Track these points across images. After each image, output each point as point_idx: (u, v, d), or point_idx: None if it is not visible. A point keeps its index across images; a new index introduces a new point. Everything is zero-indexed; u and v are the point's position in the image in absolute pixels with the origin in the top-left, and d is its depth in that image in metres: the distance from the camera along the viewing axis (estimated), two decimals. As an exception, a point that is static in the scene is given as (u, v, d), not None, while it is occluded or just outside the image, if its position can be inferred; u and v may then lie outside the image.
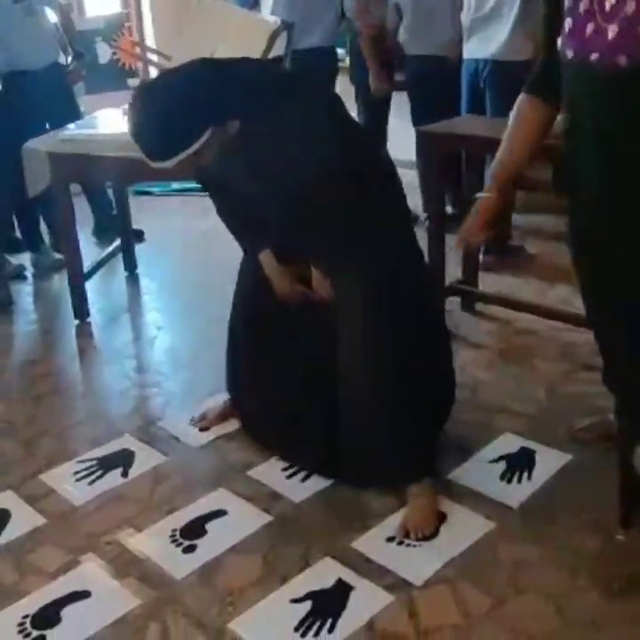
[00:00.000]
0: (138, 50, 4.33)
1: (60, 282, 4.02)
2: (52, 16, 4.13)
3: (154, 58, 3.90)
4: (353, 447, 2.18)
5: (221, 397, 2.70)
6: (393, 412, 2.11)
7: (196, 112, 1.80)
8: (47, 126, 3.97)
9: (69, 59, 4.25)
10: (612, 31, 1.54)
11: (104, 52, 6.26)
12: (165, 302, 3.79)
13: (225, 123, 1.85)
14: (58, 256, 4.22)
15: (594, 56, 1.60)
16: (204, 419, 2.62)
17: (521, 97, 1.96)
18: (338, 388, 2.17)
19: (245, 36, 3.13)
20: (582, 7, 1.62)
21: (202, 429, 2.58)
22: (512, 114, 1.98)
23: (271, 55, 3.22)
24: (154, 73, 6.28)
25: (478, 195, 2.07)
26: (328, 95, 2.17)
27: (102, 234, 4.50)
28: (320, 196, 1.94)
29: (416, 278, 2.19)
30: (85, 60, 4.57)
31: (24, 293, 3.96)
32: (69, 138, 3.25)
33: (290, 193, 1.97)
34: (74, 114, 4.01)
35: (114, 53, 6.21)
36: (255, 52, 3.14)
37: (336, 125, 2.00)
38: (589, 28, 1.60)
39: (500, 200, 2.02)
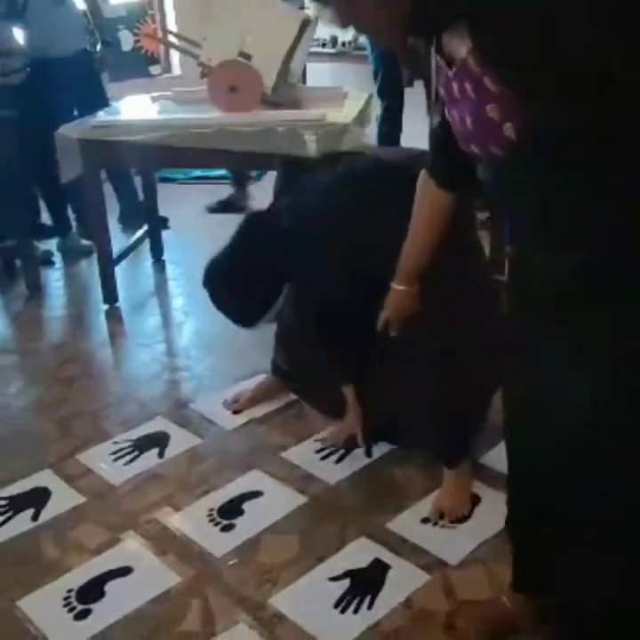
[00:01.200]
0: (164, 36, 4.34)
1: (88, 267, 4.08)
2: (80, 4, 4.16)
3: (180, 44, 3.94)
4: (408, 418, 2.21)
5: (252, 381, 2.75)
6: (446, 403, 2.08)
7: (266, 282, 2.03)
8: (75, 113, 4.01)
9: (97, 46, 4.28)
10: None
11: (126, 40, 6.31)
12: (191, 288, 3.81)
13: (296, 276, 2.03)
14: (85, 242, 4.27)
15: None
16: (236, 402, 2.66)
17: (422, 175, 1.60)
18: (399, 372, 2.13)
19: (276, 25, 3.15)
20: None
21: (234, 412, 2.63)
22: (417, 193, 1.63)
23: (301, 44, 3.26)
24: (175, 60, 6.36)
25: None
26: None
27: (127, 221, 4.54)
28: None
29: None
30: (112, 47, 4.59)
31: (52, 279, 4.00)
32: (99, 124, 3.28)
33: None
34: (101, 101, 4.05)
35: (136, 41, 6.28)
36: (286, 41, 3.18)
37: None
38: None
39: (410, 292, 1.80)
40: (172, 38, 4.59)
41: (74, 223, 4.39)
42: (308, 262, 1.97)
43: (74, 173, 3.31)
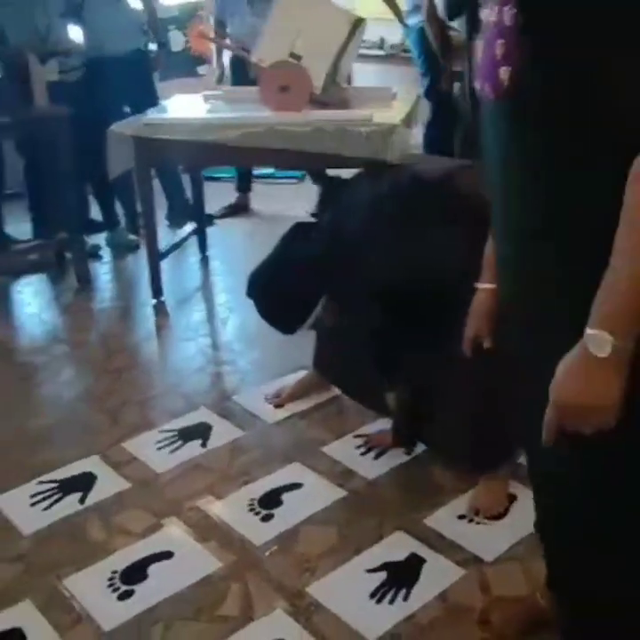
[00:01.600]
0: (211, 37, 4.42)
1: (135, 262, 4.17)
2: (135, 3, 4.26)
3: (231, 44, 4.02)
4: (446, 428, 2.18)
5: (294, 377, 2.80)
6: (484, 411, 2.04)
7: (307, 288, 2.09)
8: (127, 110, 4.10)
9: (151, 45, 4.37)
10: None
11: (177, 40, 6.41)
12: (235, 284, 3.87)
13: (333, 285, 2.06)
14: (132, 237, 4.36)
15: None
16: (278, 396, 2.71)
17: None
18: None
19: (327, 26, 3.20)
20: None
21: (276, 406, 2.68)
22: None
23: (350, 46, 3.30)
24: (226, 61, 6.44)
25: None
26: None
27: (174, 218, 4.62)
28: None
29: None
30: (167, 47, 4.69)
31: (101, 272, 4.10)
32: (152, 122, 3.35)
33: None
34: (153, 99, 4.13)
35: (186, 41, 6.38)
36: (336, 42, 3.22)
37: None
38: None
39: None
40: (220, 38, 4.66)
41: (122, 219, 4.49)
42: (347, 279, 2.03)
43: (121, 169, 3.40)
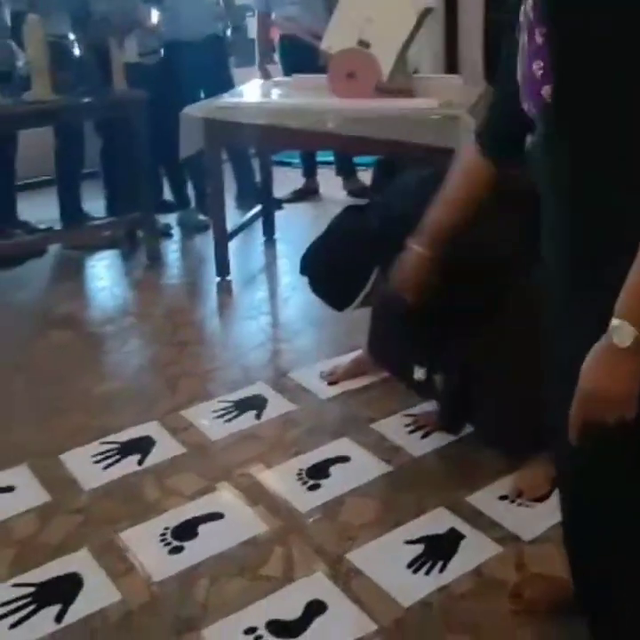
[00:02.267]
0: (289, 25, 4.49)
1: (203, 242, 4.30)
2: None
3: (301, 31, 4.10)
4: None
5: (349, 356, 2.87)
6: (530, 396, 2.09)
7: (359, 265, 2.14)
8: (202, 95, 4.22)
9: (228, 31, 4.48)
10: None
11: (252, 27, 6.52)
12: (298, 266, 3.98)
13: (387, 261, 1.98)
14: (202, 217, 4.50)
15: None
16: (333, 374, 2.79)
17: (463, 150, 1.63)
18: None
19: (395, 14, 3.25)
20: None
21: (330, 383, 2.76)
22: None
23: (419, 34, 3.34)
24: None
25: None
26: None
27: (243, 200, 4.74)
28: None
29: None
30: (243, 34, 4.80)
31: (170, 250, 4.25)
32: (224, 105, 3.47)
33: None
34: (228, 85, 4.24)
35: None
36: (404, 30, 3.27)
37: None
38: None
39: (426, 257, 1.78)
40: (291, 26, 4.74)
41: (193, 200, 4.63)
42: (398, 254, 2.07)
43: (191, 151, 3.53)
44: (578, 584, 1.55)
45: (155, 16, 4.10)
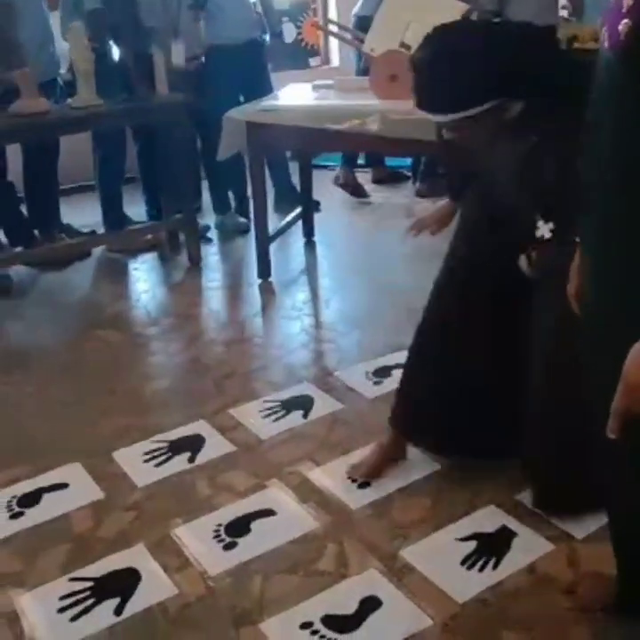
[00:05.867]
0: (332, 28, 4.53)
1: (243, 244, 4.34)
2: (253, -5, 4.43)
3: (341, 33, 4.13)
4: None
5: (396, 356, 2.88)
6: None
7: (489, 75, 1.67)
8: (241, 99, 4.26)
9: (267, 37, 4.52)
10: None
11: (289, 32, 6.57)
12: (339, 268, 4.01)
13: (510, 101, 1.72)
14: (242, 220, 4.54)
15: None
16: (359, 472, 2.33)
17: None
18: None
19: (437, 17, 3.25)
20: None
21: (362, 485, 2.35)
22: None
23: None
24: (334, 53, 6.57)
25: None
26: None
27: (280, 203, 4.77)
28: None
29: None
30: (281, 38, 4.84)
31: (210, 252, 4.29)
32: (266, 108, 3.51)
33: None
34: (267, 89, 4.28)
35: (298, 33, 6.54)
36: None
37: None
38: None
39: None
40: (333, 29, 4.77)
41: (232, 203, 4.67)
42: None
43: (229, 153, 3.57)
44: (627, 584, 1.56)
45: (200, 22, 4.15)
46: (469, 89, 1.68)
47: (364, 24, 3.88)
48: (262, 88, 4.22)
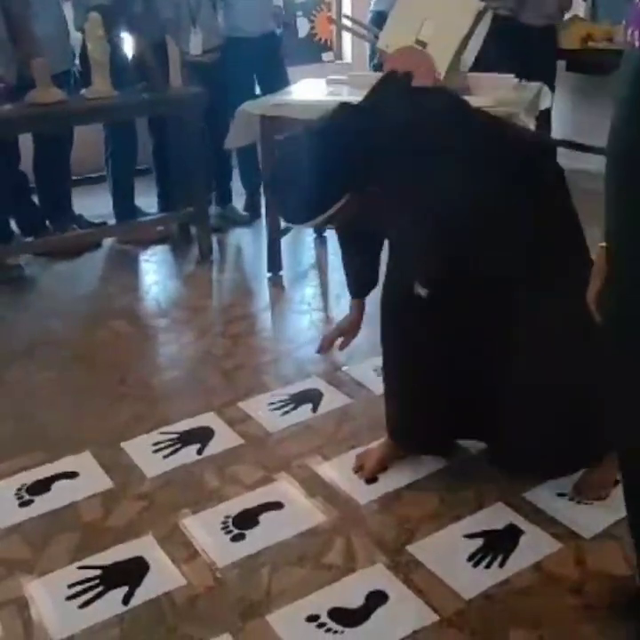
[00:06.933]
0: (346, 22, 4.52)
1: (251, 237, 4.35)
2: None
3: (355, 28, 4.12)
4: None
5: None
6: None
7: (334, 179, 1.71)
8: (257, 92, 4.26)
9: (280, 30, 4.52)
10: None
11: (302, 27, 6.57)
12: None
13: (364, 189, 1.75)
14: (243, 213, 4.54)
15: None
16: (363, 469, 2.36)
17: None
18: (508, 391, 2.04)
19: (452, 14, 3.26)
20: None
21: (368, 481, 2.34)
22: None
23: (475, 34, 3.35)
24: (347, 48, 6.55)
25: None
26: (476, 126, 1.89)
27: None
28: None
29: None
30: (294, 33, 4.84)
31: (221, 246, 4.29)
32: (280, 102, 3.50)
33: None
34: (282, 82, 4.26)
35: (312, 28, 6.53)
36: (461, 29, 3.27)
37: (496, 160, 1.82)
38: None
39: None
40: (348, 23, 4.77)
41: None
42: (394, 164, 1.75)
43: (237, 144, 3.59)
44: None
45: (219, 13, 4.15)
46: (317, 196, 1.72)
47: (381, 19, 3.88)
48: (278, 81, 4.20)
